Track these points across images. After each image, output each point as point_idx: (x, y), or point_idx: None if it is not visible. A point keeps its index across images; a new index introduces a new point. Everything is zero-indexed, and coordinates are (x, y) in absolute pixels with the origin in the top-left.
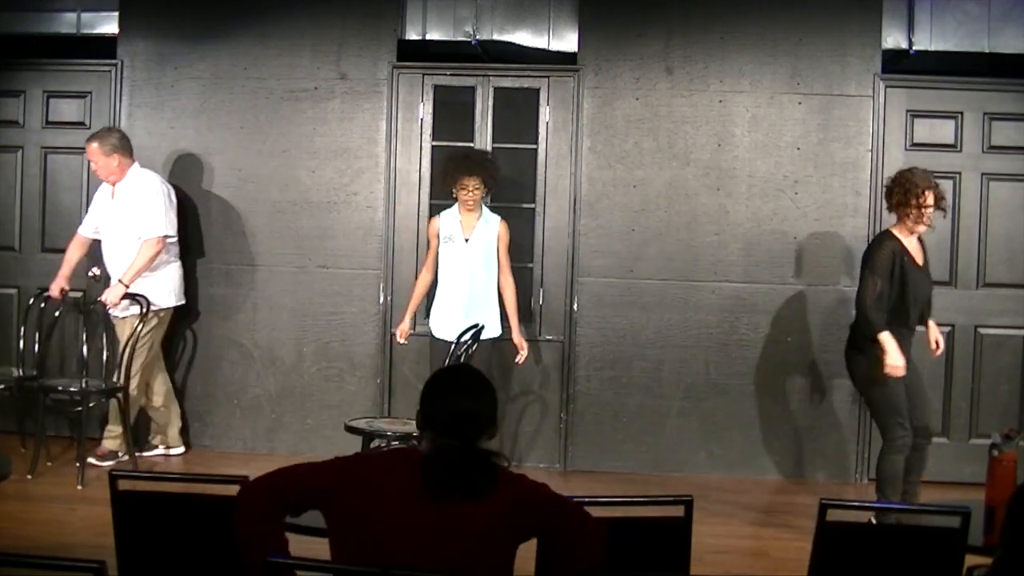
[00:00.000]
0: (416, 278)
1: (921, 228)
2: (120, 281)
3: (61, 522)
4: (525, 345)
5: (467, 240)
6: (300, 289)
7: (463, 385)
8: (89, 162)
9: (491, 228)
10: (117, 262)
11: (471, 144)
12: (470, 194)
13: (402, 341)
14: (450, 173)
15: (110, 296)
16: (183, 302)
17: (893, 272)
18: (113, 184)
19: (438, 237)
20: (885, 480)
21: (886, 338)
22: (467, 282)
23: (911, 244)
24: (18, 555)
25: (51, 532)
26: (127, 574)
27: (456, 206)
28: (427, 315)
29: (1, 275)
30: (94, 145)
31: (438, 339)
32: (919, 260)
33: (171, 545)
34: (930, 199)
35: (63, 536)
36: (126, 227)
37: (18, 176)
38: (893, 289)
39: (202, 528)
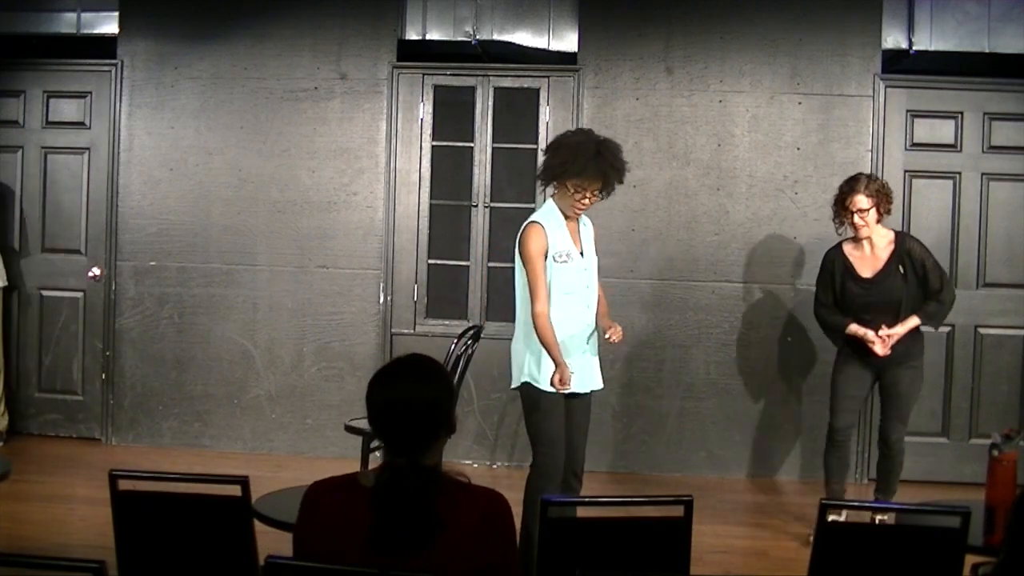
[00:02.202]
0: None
1: (860, 234)
2: None
3: (61, 522)
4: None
5: (583, 254)
6: (300, 289)
7: (409, 371)
8: None
9: (589, 232)
10: None
11: (470, 144)
12: (588, 200)
13: (564, 388)
14: (570, 166)
15: None
16: (6, 283)
17: (832, 281)
18: None
19: (545, 255)
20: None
21: (854, 329)
22: (591, 309)
23: (858, 252)
24: (18, 555)
25: (51, 532)
26: (127, 574)
27: (552, 206)
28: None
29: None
30: None
31: (555, 392)
32: (865, 270)
33: (171, 545)
34: (858, 202)
35: (63, 536)
36: None
37: (18, 176)
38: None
39: (202, 528)
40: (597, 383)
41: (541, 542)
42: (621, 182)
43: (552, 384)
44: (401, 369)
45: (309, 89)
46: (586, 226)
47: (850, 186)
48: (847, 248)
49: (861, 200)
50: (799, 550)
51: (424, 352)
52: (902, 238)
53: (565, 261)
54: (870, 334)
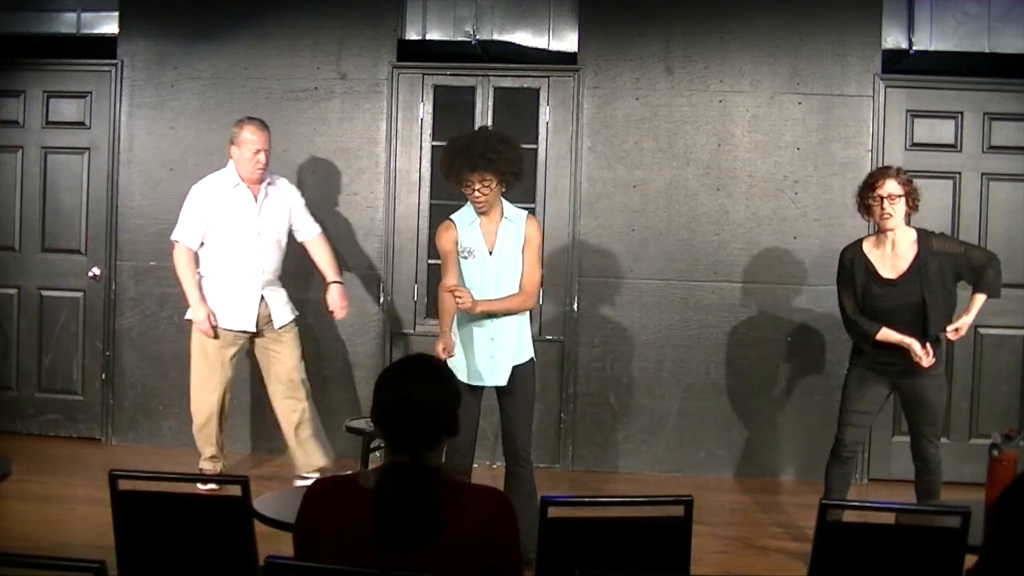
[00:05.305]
0: (436, 298)
1: (885, 225)
2: (337, 281)
3: (61, 522)
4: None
5: (491, 253)
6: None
7: (418, 371)
8: (261, 152)
9: (517, 229)
10: (273, 266)
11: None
12: (477, 194)
13: (446, 356)
14: (445, 167)
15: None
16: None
17: (853, 281)
18: (260, 183)
19: (456, 247)
20: None
21: (888, 335)
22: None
23: (878, 251)
24: (18, 555)
25: (51, 532)
26: (127, 574)
27: (469, 204)
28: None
29: (1, 275)
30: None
31: (465, 384)
32: (887, 271)
33: (171, 545)
34: (889, 187)
35: (63, 536)
36: (281, 228)
37: (18, 176)
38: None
39: (202, 528)
40: (500, 380)
41: (541, 542)
42: (511, 170)
43: (437, 352)
44: (410, 368)
45: (309, 89)
46: (513, 223)
47: (880, 172)
48: (867, 246)
49: (892, 185)
50: (799, 550)
51: (424, 353)
52: (925, 238)
53: (466, 257)
54: (915, 345)
